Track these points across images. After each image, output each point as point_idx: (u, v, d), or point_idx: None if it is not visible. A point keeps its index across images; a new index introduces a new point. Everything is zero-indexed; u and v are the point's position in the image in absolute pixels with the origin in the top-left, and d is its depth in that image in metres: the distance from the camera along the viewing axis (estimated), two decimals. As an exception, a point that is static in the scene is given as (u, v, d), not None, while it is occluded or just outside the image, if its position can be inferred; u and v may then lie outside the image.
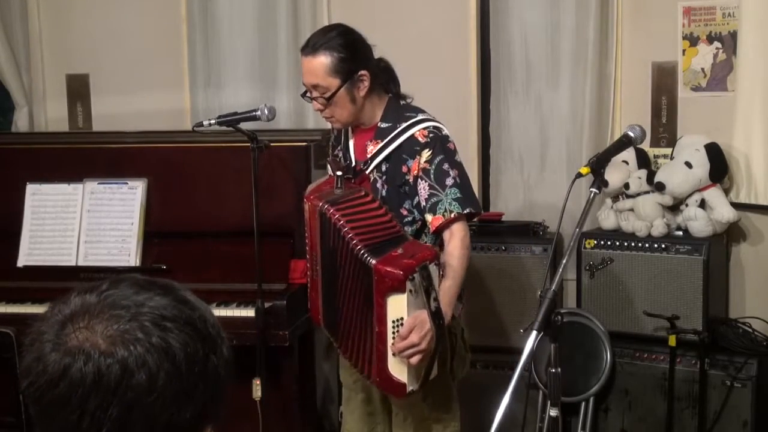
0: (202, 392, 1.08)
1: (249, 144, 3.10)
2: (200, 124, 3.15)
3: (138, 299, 1.08)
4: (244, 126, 3.14)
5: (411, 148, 2.71)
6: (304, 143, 3.64)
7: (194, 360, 1.07)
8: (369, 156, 2.77)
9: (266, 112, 3.12)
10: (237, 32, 4.30)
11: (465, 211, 2.67)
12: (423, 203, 2.69)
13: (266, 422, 3.25)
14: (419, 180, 2.69)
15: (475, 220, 3.95)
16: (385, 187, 2.75)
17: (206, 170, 3.65)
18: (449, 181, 2.67)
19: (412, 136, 2.71)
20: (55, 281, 3.44)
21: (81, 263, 3.59)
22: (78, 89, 4.49)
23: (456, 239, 2.66)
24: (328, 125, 4.11)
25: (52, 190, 3.67)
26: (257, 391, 3.19)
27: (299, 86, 4.20)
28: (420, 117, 2.75)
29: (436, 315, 2.49)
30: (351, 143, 2.86)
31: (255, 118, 3.14)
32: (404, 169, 2.72)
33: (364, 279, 2.54)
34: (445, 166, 2.67)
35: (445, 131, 2.75)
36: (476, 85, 4.06)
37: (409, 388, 2.58)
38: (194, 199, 3.63)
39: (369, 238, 2.57)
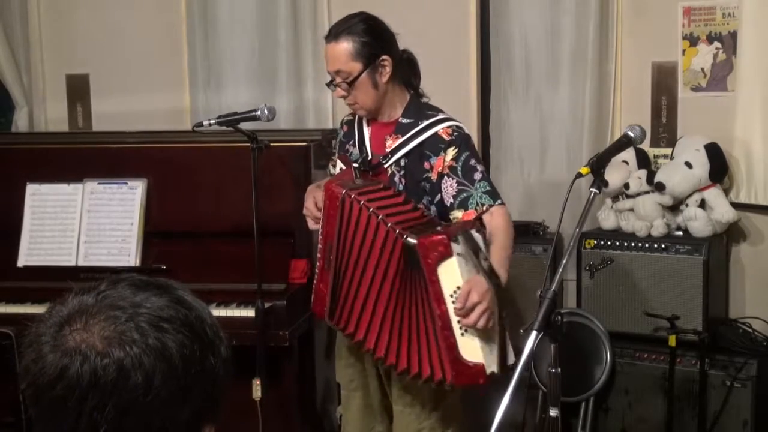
0: (200, 393, 1.08)
1: (249, 144, 3.10)
2: (200, 124, 3.15)
3: (135, 300, 1.08)
4: (244, 126, 3.14)
5: (435, 145, 2.72)
6: (304, 143, 3.63)
7: (191, 361, 1.07)
8: (389, 150, 2.77)
9: (266, 112, 3.12)
10: (237, 32, 4.30)
11: (497, 203, 2.68)
12: (450, 200, 2.69)
13: (266, 422, 3.24)
14: (445, 177, 2.69)
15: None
16: (403, 181, 2.76)
17: (206, 170, 3.65)
18: (477, 176, 2.68)
19: (436, 133, 2.73)
20: (55, 281, 3.43)
21: (81, 263, 3.59)
22: (78, 89, 4.49)
23: (498, 218, 2.66)
24: (329, 125, 4.15)
25: (52, 190, 3.67)
26: (257, 391, 3.18)
27: (299, 86, 4.26)
28: (442, 116, 2.78)
29: (490, 273, 2.46)
30: (367, 136, 2.86)
31: (255, 118, 3.13)
32: (426, 165, 2.73)
33: (409, 262, 2.49)
34: (472, 161, 2.70)
35: (467, 130, 2.78)
36: (476, 85, 4.06)
37: (489, 370, 2.46)
38: (194, 199, 3.63)
39: (398, 220, 2.56)
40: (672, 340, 3.37)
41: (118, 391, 1.03)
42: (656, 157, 3.83)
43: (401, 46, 2.89)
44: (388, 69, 2.74)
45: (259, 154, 3.10)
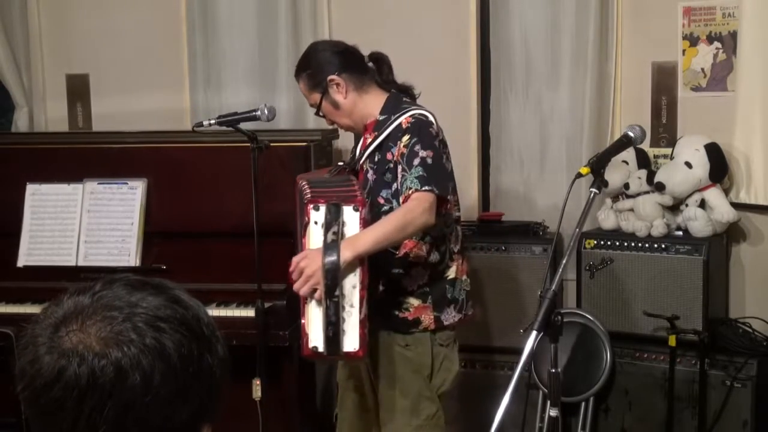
0: (198, 392, 1.08)
1: (249, 144, 3.10)
2: (200, 124, 3.15)
3: (131, 300, 1.07)
4: (244, 126, 3.14)
5: (396, 135, 2.72)
6: (304, 143, 3.64)
7: (189, 360, 1.07)
8: (364, 148, 2.81)
9: (266, 112, 3.12)
10: (237, 32, 4.30)
11: (423, 188, 2.58)
12: (399, 188, 2.67)
13: (266, 422, 3.25)
14: (398, 166, 2.68)
15: (476, 220, 3.97)
16: (374, 177, 2.77)
17: (206, 170, 3.65)
18: (416, 161, 2.61)
19: (399, 124, 2.73)
20: (55, 281, 3.44)
21: (81, 263, 3.60)
22: (78, 89, 4.48)
23: (409, 201, 2.58)
24: (328, 125, 4.14)
25: (52, 190, 3.68)
26: (257, 391, 3.19)
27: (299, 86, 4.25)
28: (410, 108, 2.76)
29: (329, 247, 2.46)
30: (361, 141, 2.92)
31: (255, 118, 3.14)
32: (389, 156, 2.73)
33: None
34: (417, 147, 2.64)
35: (431, 118, 2.73)
36: (476, 85, 4.06)
37: (312, 344, 2.49)
38: (194, 199, 3.63)
39: (322, 190, 2.62)
40: (672, 340, 3.37)
41: (117, 392, 1.02)
42: (656, 157, 3.83)
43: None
44: (342, 86, 2.80)
45: (259, 154, 3.10)
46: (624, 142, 2.46)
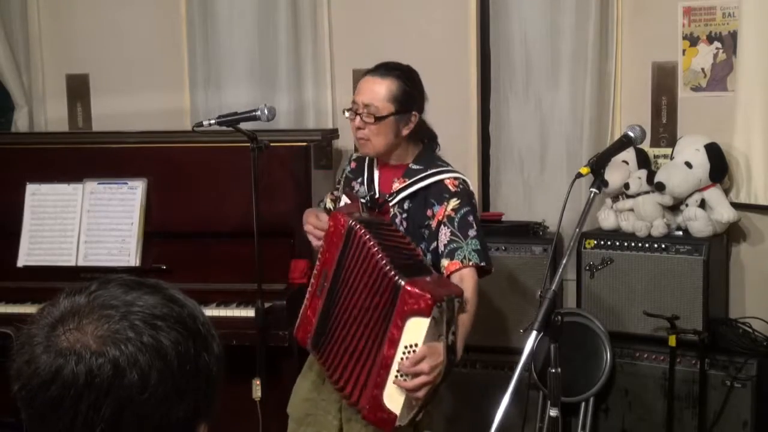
0: (195, 390, 1.08)
1: (249, 144, 3.10)
2: (200, 124, 3.15)
3: (127, 299, 1.08)
4: (244, 126, 3.14)
5: (440, 194, 2.75)
6: (304, 143, 3.64)
7: (186, 358, 1.07)
8: (395, 190, 2.79)
9: (266, 112, 3.12)
10: (237, 32, 4.30)
11: (482, 264, 2.71)
12: (441, 248, 2.71)
13: (266, 422, 3.24)
14: (442, 226, 2.72)
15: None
16: (405, 224, 2.77)
17: (206, 170, 3.65)
18: (472, 233, 2.71)
19: (442, 182, 2.76)
20: (55, 281, 3.44)
21: (81, 263, 3.60)
22: (78, 89, 4.48)
23: (469, 285, 2.67)
24: (329, 125, 4.15)
25: (52, 190, 3.68)
26: (257, 391, 3.18)
27: (299, 86, 4.25)
28: (451, 169, 2.82)
29: (451, 349, 2.47)
30: (376, 176, 2.87)
31: (255, 118, 3.14)
32: (429, 212, 2.75)
33: (387, 298, 2.49)
34: (470, 218, 2.73)
35: (472, 187, 2.84)
36: (476, 85, 4.06)
37: (399, 422, 2.50)
38: (194, 199, 3.63)
39: (396, 258, 2.55)
40: (672, 340, 3.37)
41: (114, 390, 1.02)
42: (656, 157, 3.83)
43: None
44: (412, 125, 2.78)
45: (259, 154, 3.10)
46: (624, 142, 2.46)
